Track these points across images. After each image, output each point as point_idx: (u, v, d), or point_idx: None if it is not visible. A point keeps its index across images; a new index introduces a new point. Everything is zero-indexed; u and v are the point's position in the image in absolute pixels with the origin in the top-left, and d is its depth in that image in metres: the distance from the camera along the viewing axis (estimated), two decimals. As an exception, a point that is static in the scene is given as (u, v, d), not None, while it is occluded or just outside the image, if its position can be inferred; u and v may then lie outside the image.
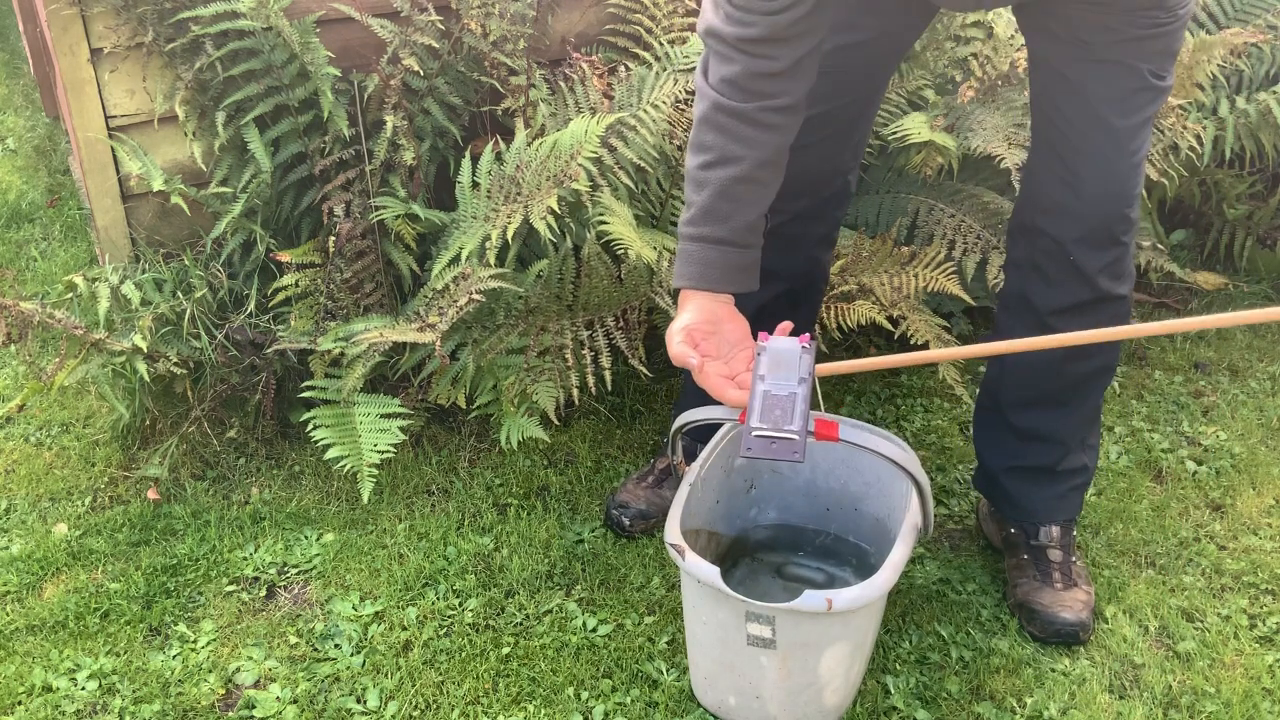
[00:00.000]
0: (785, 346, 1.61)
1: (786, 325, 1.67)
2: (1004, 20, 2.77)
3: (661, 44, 2.72)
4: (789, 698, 1.75)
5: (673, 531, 1.75)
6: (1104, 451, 2.46)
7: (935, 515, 2.28)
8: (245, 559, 2.15)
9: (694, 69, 2.67)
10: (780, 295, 2.07)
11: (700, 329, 1.67)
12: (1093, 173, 1.85)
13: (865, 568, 2.01)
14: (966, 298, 2.53)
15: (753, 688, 1.76)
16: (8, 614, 2.03)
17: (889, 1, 1.88)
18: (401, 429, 2.20)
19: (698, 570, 1.69)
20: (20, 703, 1.86)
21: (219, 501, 2.30)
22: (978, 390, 2.17)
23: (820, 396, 1.79)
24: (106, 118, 2.37)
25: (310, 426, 2.21)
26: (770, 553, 2.07)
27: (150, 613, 2.03)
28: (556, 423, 2.33)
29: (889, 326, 2.47)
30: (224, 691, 1.89)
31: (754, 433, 1.55)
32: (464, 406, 2.28)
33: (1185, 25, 1.81)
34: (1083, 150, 1.83)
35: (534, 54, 2.59)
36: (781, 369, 1.59)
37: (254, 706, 1.85)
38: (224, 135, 2.33)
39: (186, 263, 2.42)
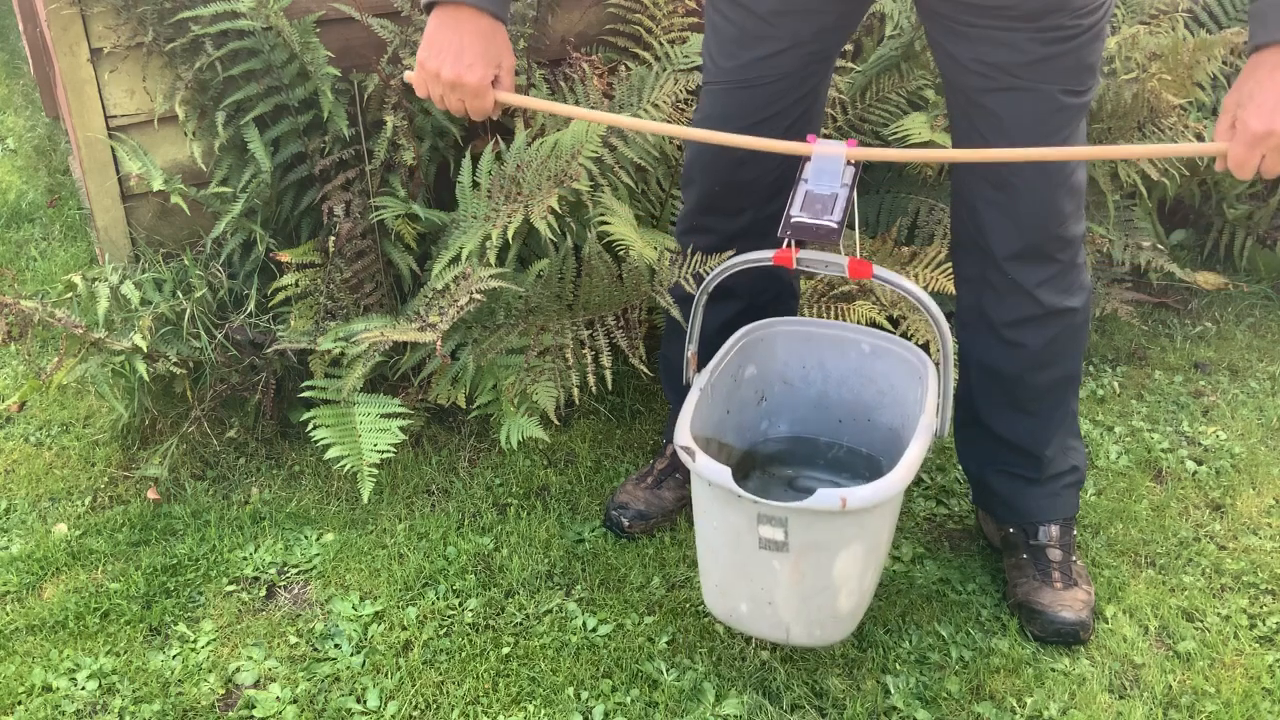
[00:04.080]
0: (830, 152, 1.63)
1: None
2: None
3: (661, 44, 2.72)
4: (802, 602, 1.71)
5: (683, 434, 1.70)
6: (1104, 451, 2.46)
7: (935, 516, 2.28)
8: (245, 559, 2.15)
9: (694, 69, 2.67)
10: (742, 312, 2.07)
11: (471, 49, 1.65)
12: (1020, 197, 1.83)
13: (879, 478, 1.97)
14: (966, 298, 2.53)
15: (765, 593, 1.71)
16: (8, 614, 2.03)
17: (800, 3, 1.82)
18: (401, 429, 2.20)
19: (708, 471, 1.64)
20: (20, 703, 1.86)
21: (219, 501, 2.30)
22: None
23: (862, 224, 1.79)
24: (106, 118, 2.37)
25: (310, 426, 2.21)
26: (782, 466, 2.02)
27: (150, 613, 2.03)
28: (556, 423, 2.33)
29: (889, 327, 2.48)
30: (224, 691, 1.89)
31: (794, 219, 1.59)
32: (464, 406, 2.28)
33: (1100, 35, 1.76)
34: (1006, 174, 1.81)
35: (534, 54, 2.60)
36: (825, 174, 1.62)
37: (254, 706, 1.85)
38: (224, 135, 2.33)
39: (186, 263, 2.42)
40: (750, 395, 2.01)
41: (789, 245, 1.66)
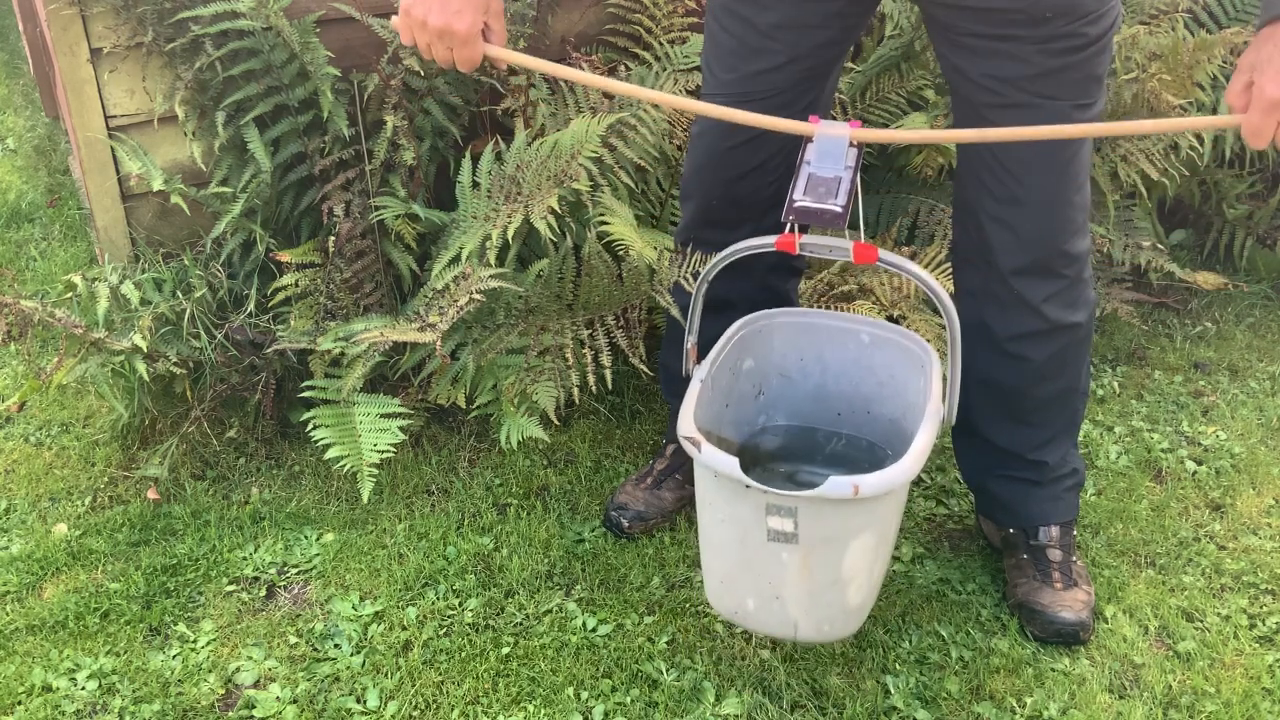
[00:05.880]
0: (834, 133, 1.59)
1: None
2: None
3: (661, 44, 2.72)
4: (811, 597, 1.68)
5: (686, 425, 1.67)
6: (1104, 451, 2.46)
7: (935, 516, 2.28)
8: (245, 559, 2.15)
9: (694, 69, 2.67)
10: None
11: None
12: (1027, 211, 1.82)
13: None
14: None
15: (772, 588, 1.68)
16: (8, 614, 2.03)
17: (800, 19, 1.82)
18: (401, 429, 2.20)
19: (715, 461, 1.61)
20: (20, 703, 1.86)
21: (219, 501, 2.30)
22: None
23: (863, 222, 1.74)
24: (106, 118, 2.37)
25: (310, 426, 2.21)
26: (780, 462, 1.99)
27: (150, 613, 2.03)
28: (556, 423, 2.33)
29: (889, 326, 2.48)
30: (224, 691, 1.89)
31: (797, 204, 1.55)
32: (464, 406, 2.28)
33: (1107, 47, 1.75)
34: (1013, 189, 1.81)
35: (534, 54, 2.59)
36: (828, 157, 1.58)
37: (254, 706, 1.85)
38: (224, 135, 2.32)
39: (186, 263, 2.42)
40: (748, 389, 1.98)
41: (791, 230, 1.63)
